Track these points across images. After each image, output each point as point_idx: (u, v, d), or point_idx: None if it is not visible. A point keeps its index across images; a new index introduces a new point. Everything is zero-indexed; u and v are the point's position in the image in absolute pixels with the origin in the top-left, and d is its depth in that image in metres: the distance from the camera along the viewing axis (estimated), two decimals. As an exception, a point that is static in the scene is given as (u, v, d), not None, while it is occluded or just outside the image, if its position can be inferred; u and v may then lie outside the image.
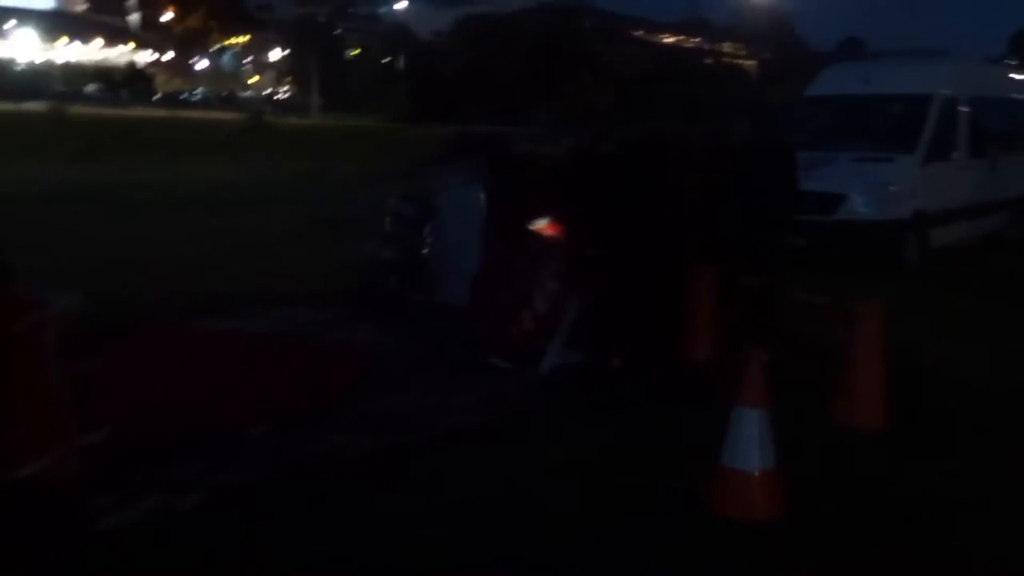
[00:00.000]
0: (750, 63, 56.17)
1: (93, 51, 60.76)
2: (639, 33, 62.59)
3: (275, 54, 67.36)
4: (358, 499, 3.93)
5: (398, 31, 60.23)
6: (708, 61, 56.79)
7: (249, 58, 70.56)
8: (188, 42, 64.95)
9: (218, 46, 68.72)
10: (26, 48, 56.07)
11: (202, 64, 67.73)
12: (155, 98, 53.84)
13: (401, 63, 55.72)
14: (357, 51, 62.45)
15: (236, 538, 3.56)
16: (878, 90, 10.84)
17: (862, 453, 4.51)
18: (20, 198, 12.65)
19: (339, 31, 63.86)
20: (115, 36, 62.55)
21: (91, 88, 53.28)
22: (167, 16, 65.44)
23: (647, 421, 4.92)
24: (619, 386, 5.42)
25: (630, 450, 4.53)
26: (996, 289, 9.10)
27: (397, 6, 62.67)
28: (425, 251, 7.15)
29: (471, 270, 6.41)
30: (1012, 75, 13.46)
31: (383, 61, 58.44)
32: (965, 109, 10.71)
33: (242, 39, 69.64)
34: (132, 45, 63.50)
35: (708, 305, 5.99)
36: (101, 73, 57.17)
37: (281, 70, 67.13)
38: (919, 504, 3.97)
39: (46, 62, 56.08)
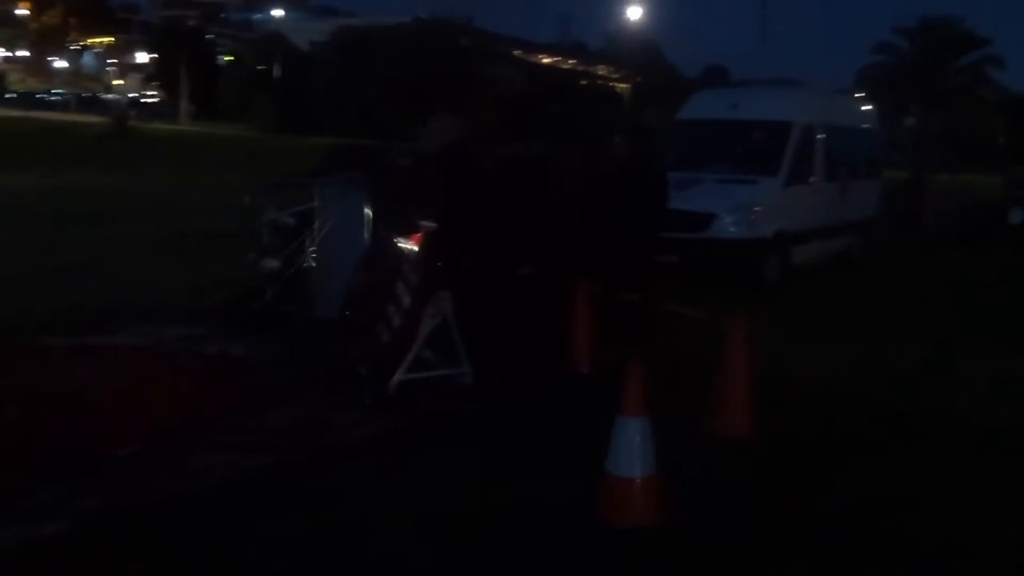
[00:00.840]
0: (623, 86, 58.05)
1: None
2: (516, 53, 63.59)
3: (142, 57, 64.45)
4: (237, 520, 3.82)
5: (273, 39, 58.81)
6: (583, 82, 58.35)
7: (113, 60, 67.17)
8: (45, 40, 61.21)
9: (79, 45, 65.11)
10: None
11: (61, 64, 63.97)
12: (8, 96, 50.39)
13: (275, 72, 54.41)
14: (229, 58, 60.57)
15: (106, 565, 3.40)
16: (744, 116, 11.46)
17: (733, 460, 4.73)
18: None
19: (210, 36, 61.74)
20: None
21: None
22: (22, 11, 61.56)
23: (529, 433, 5.01)
24: (501, 399, 5.49)
25: (513, 462, 4.60)
26: (852, 303, 9.77)
27: (274, 13, 61.23)
28: (304, 264, 7.02)
29: (349, 283, 6.33)
30: (860, 106, 14.50)
31: (257, 69, 56.88)
32: (822, 136, 11.47)
33: (105, 39, 66.28)
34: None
35: (587, 318, 6.16)
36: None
37: (148, 74, 64.20)
38: (790, 508, 4.20)
39: None
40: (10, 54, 60.72)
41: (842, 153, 11.99)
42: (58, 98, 55.38)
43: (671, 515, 3.86)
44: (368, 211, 6.62)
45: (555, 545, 3.73)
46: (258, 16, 64.81)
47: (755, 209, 10.26)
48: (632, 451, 3.88)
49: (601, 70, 64.09)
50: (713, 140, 11.50)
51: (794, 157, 10.93)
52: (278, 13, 60.21)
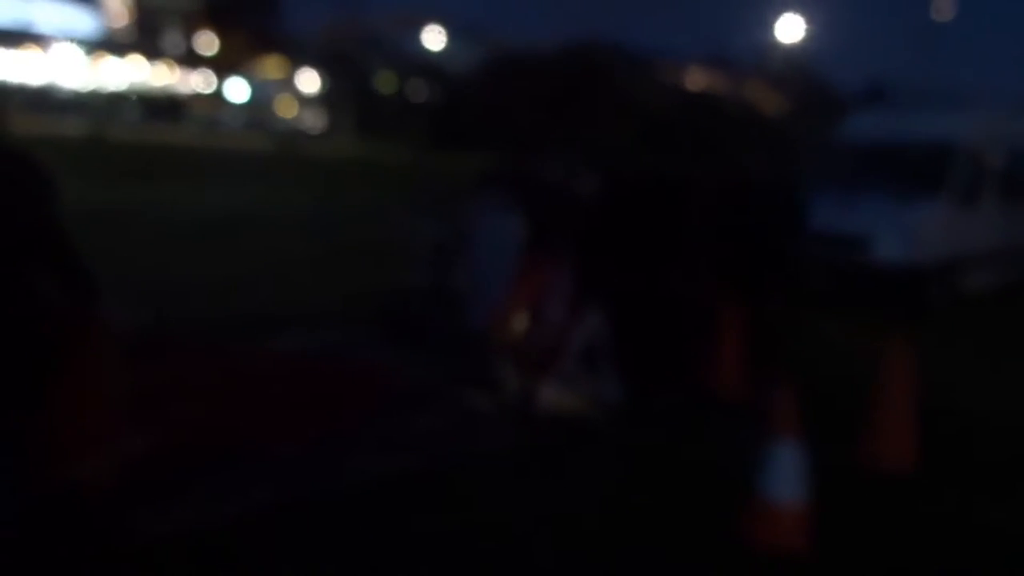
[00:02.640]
0: (774, 103, 56.38)
1: (134, 76, 62.23)
2: (664, 70, 63.03)
3: (309, 84, 68.59)
4: (388, 518, 4.05)
5: (428, 65, 61.21)
6: (731, 100, 57.11)
7: (283, 87, 71.83)
8: (225, 70, 66.42)
9: (253, 75, 70.09)
10: (70, 72, 57.54)
11: (238, 92, 69.05)
12: (191, 123, 54.91)
13: (430, 96, 56.58)
14: (388, 83, 63.42)
15: (271, 553, 3.70)
16: (906, 135, 10.95)
17: (890, 490, 4.57)
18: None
19: (371, 64, 64.87)
20: (155, 62, 64.04)
21: (130, 111, 54.52)
22: (206, 44, 67.16)
23: (673, 452, 5.01)
24: (646, 418, 5.51)
25: (656, 479, 4.62)
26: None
27: (429, 41, 63.71)
28: (456, 278, 7.30)
29: (499, 298, 6.54)
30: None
31: (413, 93, 59.39)
32: (993, 155, 10.78)
33: (277, 69, 71.00)
34: (172, 72, 65.03)
35: (734, 338, 6.09)
36: (141, 97, 58.63)
37: (314, 100, 68.27)
38: (950, 541, 4.04)
39: (90, 86, 57.48)
40: (193, 84, 66.15)
41: (1020, 170, 11.20)
42: (233, 123, 59.85)
43: (821, 543, 3.77)
44: (519, 229, 6.83)
45: (698, 565, 3.72)
46: (414, 43, 67.55)
47: (919, 232, 9.79)
48: (783, 476, 3.83)
49: (751, 87, 62.47)
50: (873, 161, 11.05)
51: (962, 176, 10.34)
52: (432, 38, 62.59)
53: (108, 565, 3.54)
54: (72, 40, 58.61)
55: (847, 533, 4.02)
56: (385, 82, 62.60)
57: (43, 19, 58.24)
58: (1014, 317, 10.05)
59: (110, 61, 60.19)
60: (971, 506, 4.45)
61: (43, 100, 48.93)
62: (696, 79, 64.20)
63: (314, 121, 66.82)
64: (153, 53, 64.72)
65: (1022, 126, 12.65)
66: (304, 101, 70.41)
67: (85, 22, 62.66)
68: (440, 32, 63.33)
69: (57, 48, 57.56)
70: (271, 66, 70.61)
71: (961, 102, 12.03)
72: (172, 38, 68.06)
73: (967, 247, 10.17)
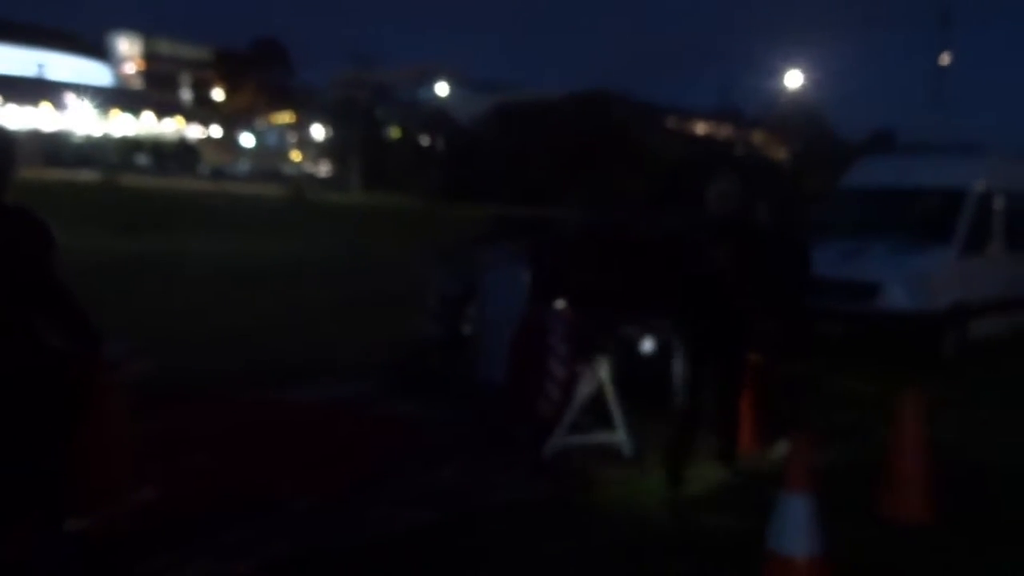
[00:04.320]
0: (782, 153, 56.89)
1: (145, 125, 63.26)
2: (671, 121, 63.79)
3: (318, 133, 69.51)
4: (403, 573, 3.99)
5: (437, 115, 62.03)
6: (738, 151, 57.65)
7: (293, 136, 72.84)
8: (235, 119, 67.49)
9: (263, 123, 71.17)
10: (83, 121, 58.53)
11: (248, 140, 70.05)
12: (202, 171, 55.64)
13: (439, 145, 57.35)
14: (397, 133, 64.22)
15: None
16: (914, 182, 10.99)
17: (909, 545, 4.47)
18: (75, 267, 13.05)
19: (379, 113, 65.85)
20: (167, 112, 65.16)
21: (142, 160, 55.34)
22: (217, 93, 68.35)
23: (689, 504, 4.95)
24: (657, 468, 5.45)
25: (670, 534, 4.55)
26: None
27: (438, 91, 64.61)
28: (467, 328, 7.32)
29: (507, 348, 6.53)
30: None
31: (421, 143, 60.19)
32: (1001, 202, 10.81)
33: (287, 117, 72.07)
34: (182, 120, 66.10)
35: (746, 391, 6.04)
36: (152, 146, 59.58)
37: (323, 148, 69.17)
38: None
39: (102, 135, 58.42)
40: (203, 133, 67.16)
41: (1026, 220, 11.21)
42: (243, 172, 60.64)
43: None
44: (527, 281, 6.86)
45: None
46: (423, 93, 68.54)
47: (927, 279, 9.78)
48: (797, 529, 3.76)
49: (758, 137, 63.09)
50: (881, 208, 11.07)
51: (970, 224, 10.35)
52: (442, 89, 63.50)
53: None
54: (85, 90, 59.72)
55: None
56: (395, 132, 63.45)
57: (57, 70, 59.43)
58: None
59: (122, 111, 61.23)
60: (984, 556, 4.37)
61: (57, 148, 49.68)
62: (706, 130, 64.98)
63: (324, 169, 67.60)
64: (164, 103, 65.85)
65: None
66: (314, 149, 71.30)
67: (98, 73, 63.89)
68: (451, 84, 64.26)
69: (70, 98, 58.64)
70: (281, 115, 71.69)
71: (968, 148, 12.10)
72: (183, 88, 69.28)
73: (976, 294, 10.15)
